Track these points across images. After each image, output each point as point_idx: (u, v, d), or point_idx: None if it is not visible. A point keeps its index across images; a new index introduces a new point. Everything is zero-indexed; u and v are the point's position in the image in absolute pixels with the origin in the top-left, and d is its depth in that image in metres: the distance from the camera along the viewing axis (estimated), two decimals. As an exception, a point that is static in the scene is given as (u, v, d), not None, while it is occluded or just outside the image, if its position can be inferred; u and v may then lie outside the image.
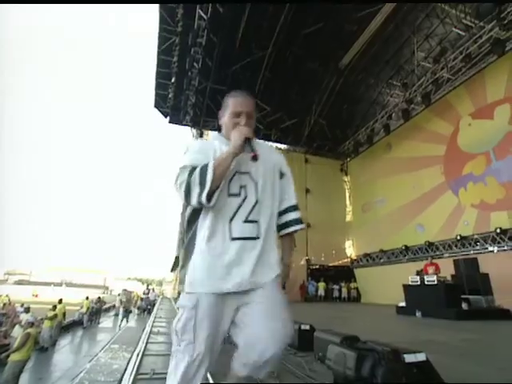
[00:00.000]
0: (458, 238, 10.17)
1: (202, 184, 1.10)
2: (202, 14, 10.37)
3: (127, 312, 15.14)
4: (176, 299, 20.09)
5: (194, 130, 17.19)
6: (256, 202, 1.22)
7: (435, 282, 6.73)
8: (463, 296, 6.72)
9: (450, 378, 1.83)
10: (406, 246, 12.21)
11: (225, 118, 1.28)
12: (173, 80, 13.94)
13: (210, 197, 1.11)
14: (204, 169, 1.11)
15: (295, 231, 1.36)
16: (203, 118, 16.00)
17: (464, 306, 6.33)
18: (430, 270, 7.44)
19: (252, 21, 11.58)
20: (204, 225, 1.19)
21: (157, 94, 15.03)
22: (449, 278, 7.51)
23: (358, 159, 16.01)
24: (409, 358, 1.64)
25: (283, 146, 18.09)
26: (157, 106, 15.85)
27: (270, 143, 17.55)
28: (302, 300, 14.10)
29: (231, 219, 1.19)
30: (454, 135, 10.91)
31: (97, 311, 15.89)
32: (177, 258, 1.38)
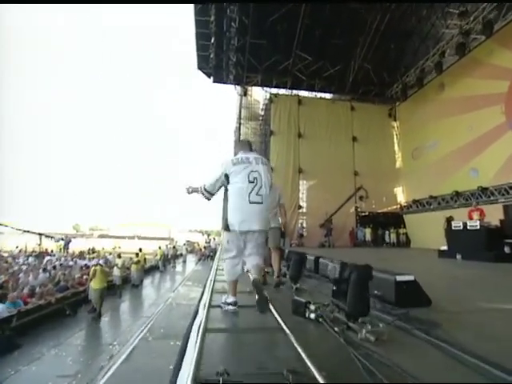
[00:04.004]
0: (517, 181, 9.72)
1: None
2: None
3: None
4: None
5: (239, 88, 17.44)
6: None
7: (478, 227, 6.90)
8: (508, 240, 6.82)
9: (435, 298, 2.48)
10: (456, 192, 11.94)
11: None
12: (212, 40, 14.12)
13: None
14: None
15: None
16: (246, 74, 16.06)
17: (506, 249, 6.50)
18: (475, 215, 7.52)
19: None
20: None
21: (199, 56, 15.40)
22: (497, 223, 7.55)
23: (408, 103, 15.11)
24: (400, 278, 2.34)
25: (328, 96, 17.64)
26: (200, 67, 16.31)
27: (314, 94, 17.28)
28: (351, 245, 14.90)
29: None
30: (519, 68, 9.81)
31: (171, 258, 18.74)
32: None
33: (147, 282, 13.05)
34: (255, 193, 2.46)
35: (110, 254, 16.71)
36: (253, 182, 2.48)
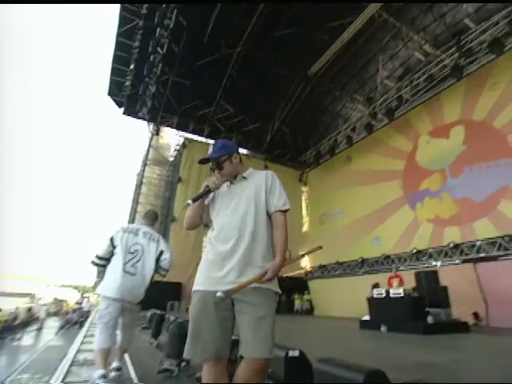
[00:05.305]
0: (414, 251, 10.36)
1: None
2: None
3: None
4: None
5: (151, 126, 15.90)
6: None
7: (401, 295, 6.49)
8: (429, 309, 6.55)
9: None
10: (362, 259, 12.21)
11: None
12: (132, 67, 12.68)
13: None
14: None
15: None
16: (161, 114, 14.86)
17: (429, 319, 6.13)
18: (395, 282, 7.25)
19: (224, 15, 10.99)
20: None
21: (112, 81, 13.59)
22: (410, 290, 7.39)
23: (318, 170, 16.02)
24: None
25: (244, 151, 17.57)
26: (111, 94, 14.35)
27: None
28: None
29: None
30: (413, 152, 11.28)
31: (20, 324, 13.48)
32: None
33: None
34: (131, 264, 2.54)
35: None
36: (132, 253, 2.58)
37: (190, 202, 1.51)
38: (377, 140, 12.72)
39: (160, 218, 16.06)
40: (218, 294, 1.24)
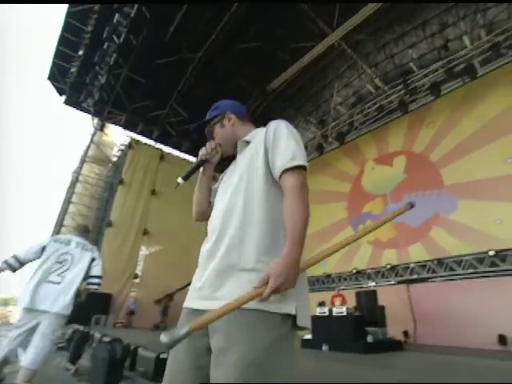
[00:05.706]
0: (354, 271, 10.73)
1: None
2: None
3: None
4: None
5: (96, 121, 14.64)
6: None
7: (344, 314, 6.53)
8: (368, 328, 6.68)
9: None
10: (305, 276, 12.31)
11: None
12: (80, 52, 11.55)
13: None
14: None
15: None
16: (109, 109, 13.79)
17: (369, 338, 6.23)
18: (337, 301, 7.32)
19: (188, 20, 10.70)
20: None
21: (54, 64, 12.20)
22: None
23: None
24: None
25: (193, 159, 17.06)
26: (51, 78, 12.87)
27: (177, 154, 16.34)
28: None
29: None
30: (359, 176, 11.91)
31: None
32: None
33: None
34: (57, 273, 2.47)
35: None
36: (60, 263, 2.52)
37: (179, 180, 1.16)
38: (326, 162, 13.24)
39: (94, 222, 14.61)
40: (161, 336, 0.76)
